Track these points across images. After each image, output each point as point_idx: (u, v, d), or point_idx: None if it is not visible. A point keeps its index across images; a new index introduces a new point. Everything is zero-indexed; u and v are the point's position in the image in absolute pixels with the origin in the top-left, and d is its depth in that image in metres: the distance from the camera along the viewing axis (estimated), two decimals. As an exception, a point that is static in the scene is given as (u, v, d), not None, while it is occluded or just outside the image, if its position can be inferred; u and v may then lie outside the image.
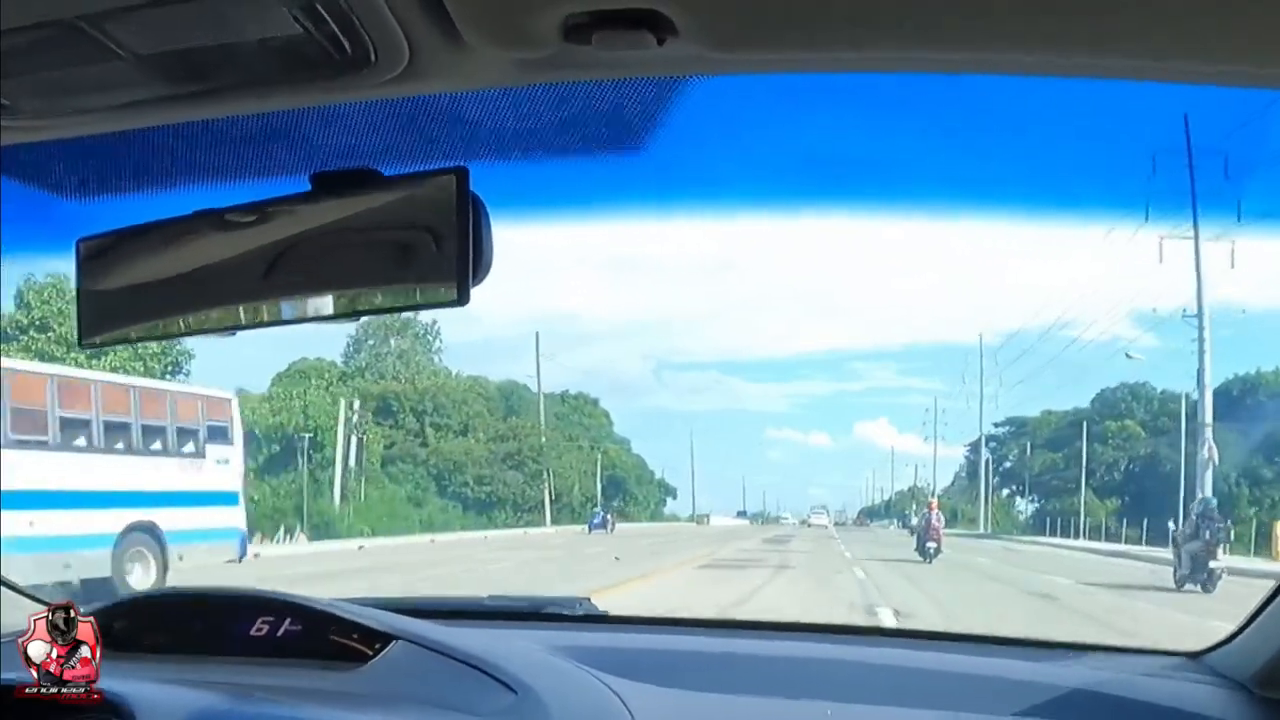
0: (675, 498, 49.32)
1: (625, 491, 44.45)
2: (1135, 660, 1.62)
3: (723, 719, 1.45)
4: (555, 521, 37.59)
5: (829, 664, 1.59)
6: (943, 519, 19.71)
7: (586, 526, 32.52)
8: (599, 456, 42.59)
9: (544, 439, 39.63)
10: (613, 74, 1.01)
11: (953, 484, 46.69)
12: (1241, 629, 1.51)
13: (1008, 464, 43.98)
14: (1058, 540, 32.27)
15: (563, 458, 40.40)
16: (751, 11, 0.87)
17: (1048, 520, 38.26)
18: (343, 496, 31.77)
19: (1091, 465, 38.50)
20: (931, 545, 18.06)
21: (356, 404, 34.34)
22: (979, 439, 43.56)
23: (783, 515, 55.43)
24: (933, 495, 37.54)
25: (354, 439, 33.47)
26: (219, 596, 1.62)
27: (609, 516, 34.44)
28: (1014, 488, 44.29)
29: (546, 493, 38.30)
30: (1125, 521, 33.43)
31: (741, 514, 51.89)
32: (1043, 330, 48.64)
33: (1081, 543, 30.70)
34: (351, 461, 33.16)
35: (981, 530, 39.26)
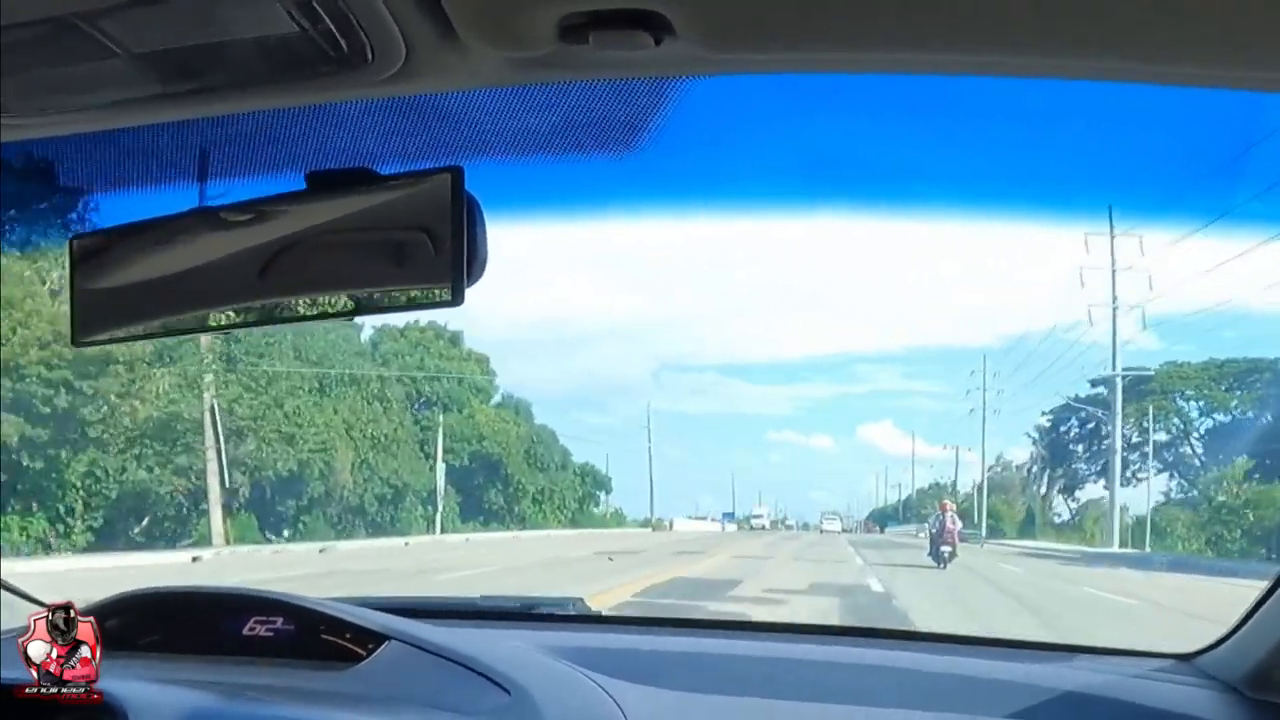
0: (609, 492, 34.13)
1: (504, 480, 28.00)
2: (1128, 662, 1.62)
3: None
4: (242, 538, 20.65)
5: (823, 666, 1.59)
6: (958, 522, 19.22)
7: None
8: (443, 420, 26.22)
9: (203, 361, 20.80)
10: (609, 74, 1.01)
11: (1018, 473, 32.88)
12: (1233, 631, 1.52)
13: (1104, 441, 26.16)
14: None
15: (301, 410, 22.96)
16: (749, 11, 0.87)
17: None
18: None
19: None
20: (946, 549, 17.64)
21: None
22: (1091, 392, 25.67)
23: (755, 515, 41.81)
24: (967, 491, 32.66)
25: None
26: (212, 595, 1.62)
27: None
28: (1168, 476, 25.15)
29: (213, 479, 20.52)
30: None
31: (728, 516, 41.29)
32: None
33: None
34: None
35: (1118, 545, 22.56)
